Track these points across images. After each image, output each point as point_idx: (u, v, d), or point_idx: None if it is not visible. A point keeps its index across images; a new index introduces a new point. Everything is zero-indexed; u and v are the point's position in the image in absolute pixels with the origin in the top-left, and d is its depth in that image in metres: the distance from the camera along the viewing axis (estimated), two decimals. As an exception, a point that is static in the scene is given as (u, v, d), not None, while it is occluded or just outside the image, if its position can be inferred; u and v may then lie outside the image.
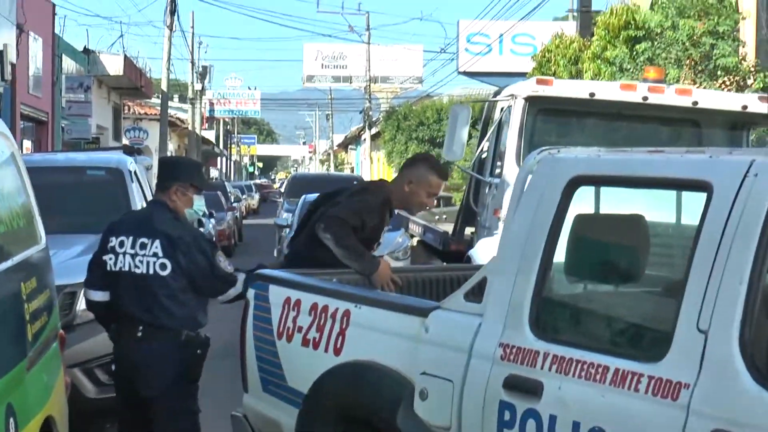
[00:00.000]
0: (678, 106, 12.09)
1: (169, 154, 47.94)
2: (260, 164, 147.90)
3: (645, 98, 11.94)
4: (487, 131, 13.32)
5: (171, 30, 47.47)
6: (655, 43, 21.90)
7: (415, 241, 18.83)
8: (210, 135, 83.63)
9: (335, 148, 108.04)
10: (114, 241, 7.43)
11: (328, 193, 8.37)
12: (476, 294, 5.41)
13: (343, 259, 7.36)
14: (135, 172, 11.64)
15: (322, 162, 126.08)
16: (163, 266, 7.25)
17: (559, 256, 5.12)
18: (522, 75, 34.95)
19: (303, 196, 24.47)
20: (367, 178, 49.65)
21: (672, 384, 4.29)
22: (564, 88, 12.35)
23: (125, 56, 42.53)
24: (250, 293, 6.96)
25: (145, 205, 10.27)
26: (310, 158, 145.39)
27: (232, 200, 42.08)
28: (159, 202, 7.74)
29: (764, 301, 4.24)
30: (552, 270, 5.14)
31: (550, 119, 12.39)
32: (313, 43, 74.75)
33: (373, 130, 70.54)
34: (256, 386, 6.83)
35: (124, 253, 7.33)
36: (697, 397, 4.19)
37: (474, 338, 5.23)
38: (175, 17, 47.57)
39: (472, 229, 13.55)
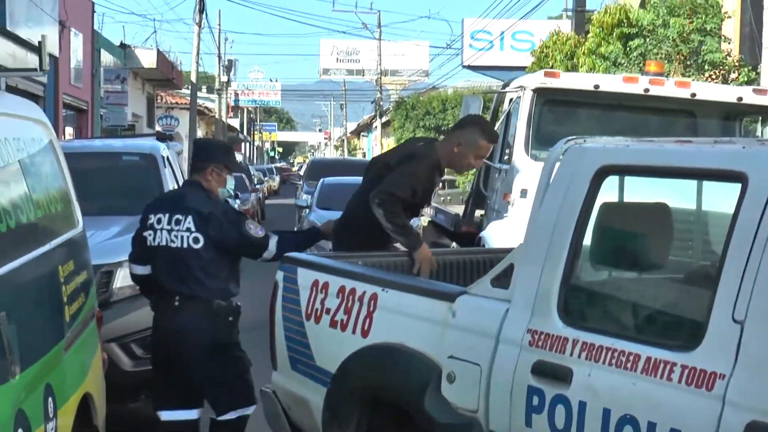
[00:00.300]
0: (677, 98, 11.67)
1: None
2: (280, 149, 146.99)
3: (646, 90, 11.51)
4: (496, 120, 12.88)
5: (200, 27, 47.11)
6: (647, 39, 21.66)
7: (425, 221, 18.28)
8: (235, 123, 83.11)
9: (348, 135, 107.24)
10: (152, 219, 7.22)
11: (380, 156, 8.06)
12: (503, 280, 4.96)
13: (390, 233, 7.06)
14: (167, 158, 11.22)
15: (336, 147, 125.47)
16: (195, 240, 7.06)
17: (588, 243, 4.71)
18: (521, 69, 34.86)
19: (321, 180, 24.07)
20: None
21: (707, 374, 3.86)
22: (570, 80, 11.87)
23: (158, 50, 42.08)
24: (279, 275, 6.43)
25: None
26: (326, 144, 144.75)
27: (256, 182, 41.61)
28: (194, 182, 7.50)
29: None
30: (581, 258, 4.70)
31: (557, 109, 11.91)
32: (329, 39, 74.28)
33: (384, 119, 70.15)
34: (284, 365, 6.33)
35: (162, 229, 7.14)
36: (733, 388, 3.76)
37: (501, 324, 4.78)
38: (204, 15, 47.30)
39: (482, 212, 13.12)
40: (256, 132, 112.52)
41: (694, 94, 11.64)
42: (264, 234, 7.38)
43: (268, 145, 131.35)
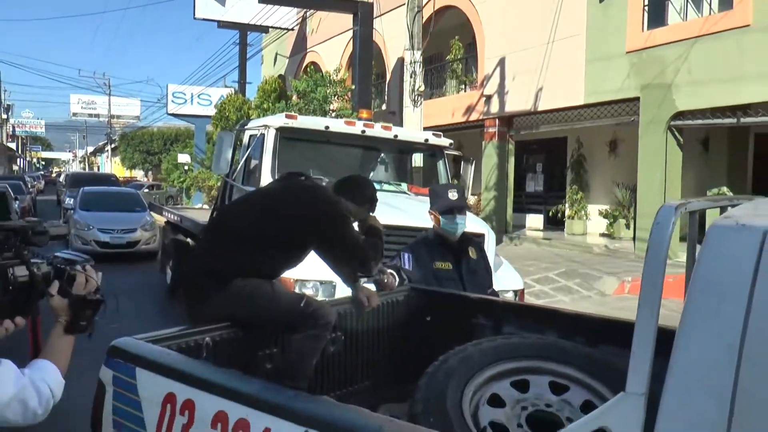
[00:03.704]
0: (383, 138, 8.47)
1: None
2: (43, 163, 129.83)
3: (363, 131, 8.25)
4: (236, 151, 8.99)
5: (-15, 82, 38.93)
6: (302, 100, 19.20)
7: (163, 221, 13.70)
8: (13, 145, 72.65)
9: (89, 155, 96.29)
10: None
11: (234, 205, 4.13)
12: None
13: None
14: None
15: (80, 162, 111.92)
16: None
17: None
18: (205, 117, 31.87)
19: (81, 188, 19.35)
20: (109, 173, 43.97)
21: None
22: (305, 121, 8.25)
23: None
24: (106, 375, 2.35)
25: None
26: (73, 160, 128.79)
27: (29, 186, 33.95)
28: None
29: None
30: None
31: (296, 144, 8.18)
32: (77, 94, 65.94)
33: (113, 145, 63.94)
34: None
35: None
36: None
37: None
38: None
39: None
40: (27, 152, 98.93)
41: (396, 135, 8.54)
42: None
43: (35, 161, 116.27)
